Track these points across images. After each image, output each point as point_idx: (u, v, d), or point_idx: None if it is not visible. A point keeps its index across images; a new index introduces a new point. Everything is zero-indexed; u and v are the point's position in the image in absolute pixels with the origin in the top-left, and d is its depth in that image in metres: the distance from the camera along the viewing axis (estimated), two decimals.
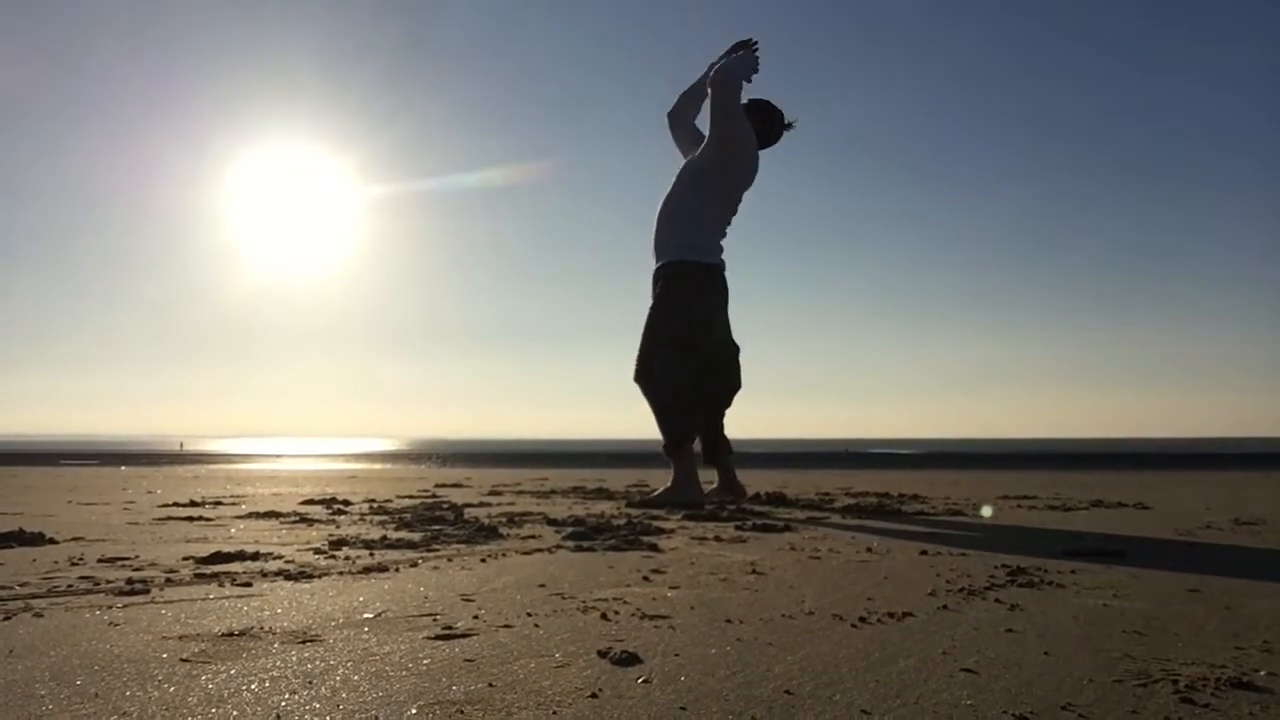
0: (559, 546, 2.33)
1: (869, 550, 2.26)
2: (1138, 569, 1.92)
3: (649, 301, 3.96)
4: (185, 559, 2.07)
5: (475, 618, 1.41)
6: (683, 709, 0.95)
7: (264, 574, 1.85)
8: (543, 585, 1.72)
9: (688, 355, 3.83)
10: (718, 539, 2.51)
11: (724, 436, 4.03)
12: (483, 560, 2.07)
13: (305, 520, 3.06)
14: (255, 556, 2.10)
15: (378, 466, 10.80)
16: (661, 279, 3.90)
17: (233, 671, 1.09)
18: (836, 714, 0.93)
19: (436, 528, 2.74)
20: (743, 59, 3.94)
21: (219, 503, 3.93)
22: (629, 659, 1.14)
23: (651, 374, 3.81)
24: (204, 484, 5.71)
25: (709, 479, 4.00)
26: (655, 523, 2.91)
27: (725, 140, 3.87)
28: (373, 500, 4.01)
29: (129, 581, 1.75)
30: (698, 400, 3.89)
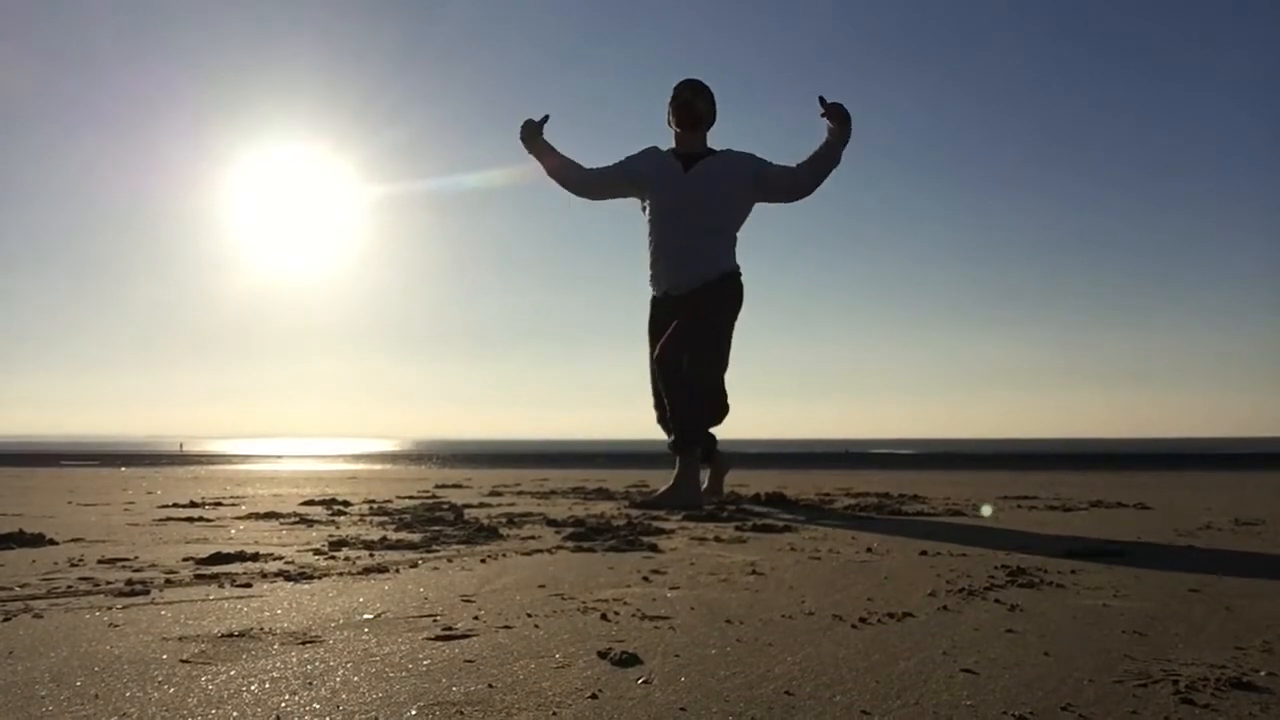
0: (559, 547, 2.33)
1: (869, 550, 2.26)
2: (1138, 569, 1.92)
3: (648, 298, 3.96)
4: (185, 560, 2.07)
5: (475, 618, 1.41)
6: (683, 710, 0.95)
7: (264, 575, 1.85)
8: (543, 586, 1.72)
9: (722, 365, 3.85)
10: (718, 539, 2.51)
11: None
12: (483, 561, 2.07)
13: (305, 521, 3.06)
14: (255, 557, 2.10)
15: (377, 467, 10.80)
16: (734, 289, 3.85)
17: (233, 672, 1.09)
18: (836, 714, 0.93)
19: (436, 528, 2.74)
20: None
21: (219, 503, 3.93)
22: (629, 660, 1.14)
23: (679, 367, 3.71)
24: (204, 485, 5.71)
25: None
26: (655, 523, 2.90)
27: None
28: (372, 501, 4.01)
29: (129, 582, 1.75)
30: (718, 409, 3.89)
